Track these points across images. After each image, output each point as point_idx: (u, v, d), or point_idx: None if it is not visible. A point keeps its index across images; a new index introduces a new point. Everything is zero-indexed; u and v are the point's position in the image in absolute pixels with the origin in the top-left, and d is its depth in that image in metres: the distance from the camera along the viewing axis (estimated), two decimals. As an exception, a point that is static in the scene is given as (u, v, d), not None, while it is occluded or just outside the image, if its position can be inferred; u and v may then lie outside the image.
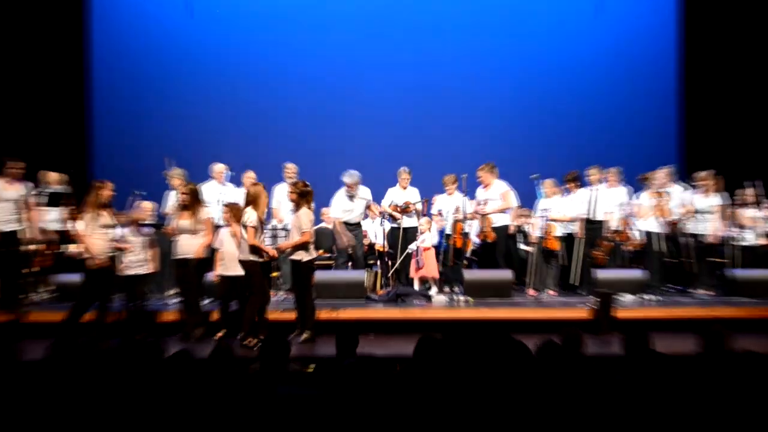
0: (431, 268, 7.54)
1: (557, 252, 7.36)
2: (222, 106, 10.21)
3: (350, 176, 7.27)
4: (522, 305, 6.74)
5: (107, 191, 5.73)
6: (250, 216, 5.61)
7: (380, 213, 8.32)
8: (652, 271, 7.26)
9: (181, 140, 9.85)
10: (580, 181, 7.74)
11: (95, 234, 5.60)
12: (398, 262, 7.70)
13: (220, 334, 5.78)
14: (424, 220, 7.75)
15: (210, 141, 9.95)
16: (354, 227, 7.46)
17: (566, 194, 7.63)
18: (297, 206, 5.79)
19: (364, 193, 7.46)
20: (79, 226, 5.60)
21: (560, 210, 7.49)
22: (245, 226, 5.61)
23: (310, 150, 9.93)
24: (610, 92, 10.28)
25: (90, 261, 5.54)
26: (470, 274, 7.21)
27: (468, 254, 7.63)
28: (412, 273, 7.56)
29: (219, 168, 7.47)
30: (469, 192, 7.58)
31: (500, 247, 7.43)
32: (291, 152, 8.78)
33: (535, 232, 7.55)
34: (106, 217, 5.65)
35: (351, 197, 7.28)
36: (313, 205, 5.91)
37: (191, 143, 9.88)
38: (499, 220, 7.50)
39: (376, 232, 8.37)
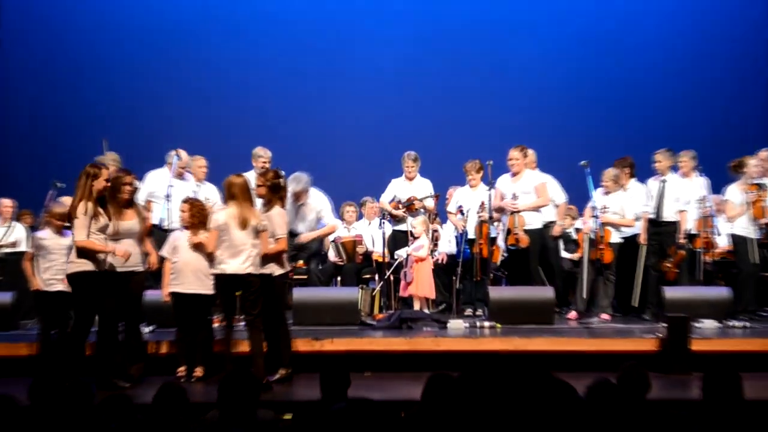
0: (424, 285, 7.64)
1: (612, 264, 7.39)
2: (173, 74, 10.43)
3: (296, 181, 7.26)
4: (566, 334, 6.76)
5: (103, 180, 5.62)
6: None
7: (379, 212, 8.46)
8: (742, 290, 7.35)
9: (119, 119, 10.00)
10: (633, 170, 7.87)
11: (93, 239, 5.53)
12: (387, 273, 7.81)
13: (181, 371, 5.85)
14: (418, 220, 7.82)
15: (157, 120, 10.09)
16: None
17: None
18: (268, 204, 5.86)
19: (318, 201, 7.48)
20: (79, 234, 5.45)
21: (617, 208, 7.49)
22: (258, 231, 5.69)
23: (288, 131, 9.99)
24: (683, 53, 10.39)
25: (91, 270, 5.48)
26: (497, 292, 7.26)
27: (496, 265, 7.77)
28: (401, 290, 7.67)
29: (183, 156, 7.60)
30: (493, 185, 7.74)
31: (534, 255, 7.48)
32: (263, 135, 8.88)
33: (584, 237, 7.56)
34: (104, 216, 5.61)
35: (300, 206, 7.39)
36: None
37: (132, 123, 10.01)
38: (533, 221, 7.54)
39: (373, 237, 8.57)
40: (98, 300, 5.50)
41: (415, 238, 7.75)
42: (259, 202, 6.00)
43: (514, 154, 7.55)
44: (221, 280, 5.68)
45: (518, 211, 7.45)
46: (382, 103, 10.39)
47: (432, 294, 7.74)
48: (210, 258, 5.78)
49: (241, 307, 5.80)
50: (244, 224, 5.59)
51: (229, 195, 5.73)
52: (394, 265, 7.82)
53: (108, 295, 5.53)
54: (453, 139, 9.94)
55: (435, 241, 8.34)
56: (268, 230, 5.75)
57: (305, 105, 10.41)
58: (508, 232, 7.48)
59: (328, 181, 8.24)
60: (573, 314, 7.46)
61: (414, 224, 7.81)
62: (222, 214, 5.71)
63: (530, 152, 7.86)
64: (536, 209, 7.56)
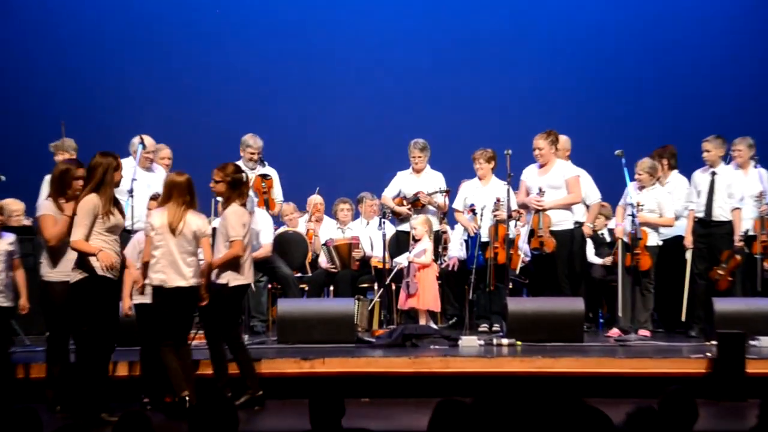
0: (428, 296, 7.62)
1: (650, 271, 7.38)
2: (144, 51, 10.49)
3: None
4: (599, 353, 6.76)
5: (119, 172, 5.64)
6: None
7: (379, 210, 8.55)
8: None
9: (74, 102, 10.01)
10: (675, 161, 7.88)
11: (101, 242, 5.49)
12: (387, 281, 7.78)
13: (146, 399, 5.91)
14: (419, 219, 7.81)
15: (122, 104, 10.17)
16: None
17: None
18: (226, 202, 5.95)
19: (260, 221, 7.48)
20: (75, 233, 5.41)
21: (653, 205, 7.47)
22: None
23: (274, 116, 10.03)
24: (736, 28, 10.40)
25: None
26: (517, 304, 7.26)
27: (515, 272, 7.72)
28: (401, 302, 7.69)
29: (149, 143, 7.63)
30: (516, 177, 7.69)
31: (562, 260, 7.45)
32: (245, 120, 8.96)
33: (618, 240, 7.51)
34: (117, 215, 5.60)
35: None
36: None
37: (90, 106, 10.08)
38: (562, 221, 7.51)
39: (372, 240, 8.51)
40: (111, 309, 5.54)
41: (416, 241, 7.71)
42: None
43: (539, 142, 7.51)
44: (161, 294, 5.62)
45: (544, 209, 7.39)
46: (385, 85, 10.48)
47: (437, 306, 7.74)
48: (145, 267, 5.69)
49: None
50: (173, 230, 5.57)
51: (165, 195, 5.74)
52: (393, 272, 7.83)
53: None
54: (468, 127, 9.95)
55: (444, 244, 8.34)
56: (208, 237, 5.76)
57: (293, 86, 10.51)
58: (531, 233, 7.46)
59: (320, 174, 8.31)
60: (615, 332, 7.44)
61: (414, 224, 7.76)
62: (156, 216, 5.67)
63: (563, 139, 7.82)
64: (566, 207, 7.53)
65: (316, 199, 8.84)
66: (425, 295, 7.62)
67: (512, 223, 7.70)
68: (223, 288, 5.81)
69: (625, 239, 7.37)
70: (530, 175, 7.63)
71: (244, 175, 6.00)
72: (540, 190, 7.45)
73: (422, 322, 7.61)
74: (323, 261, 8.40)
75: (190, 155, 8.26)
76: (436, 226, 8.09)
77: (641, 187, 7.47)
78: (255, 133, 7.99)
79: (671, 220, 7.54)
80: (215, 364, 5.90)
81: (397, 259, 7.95)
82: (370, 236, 8.53)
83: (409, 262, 7.65)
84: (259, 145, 7.79)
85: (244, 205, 5.96)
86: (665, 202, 7.50)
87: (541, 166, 7.59)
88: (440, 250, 8.13)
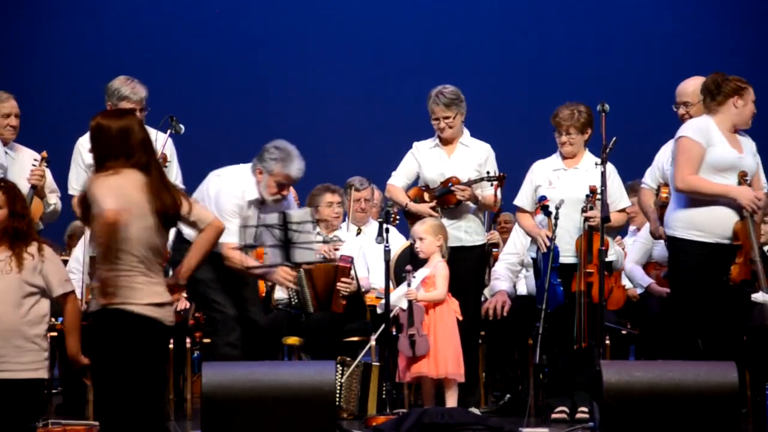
0: (445, 354, 7.66)
1: None
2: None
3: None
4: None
5: None
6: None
7: (379, 208, 9.07)
8: None
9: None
10: None
11: None
12: (392, 328, 7.83)
13: None
14: (425, 226, 7.87)
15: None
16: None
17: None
18: None
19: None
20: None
21: None
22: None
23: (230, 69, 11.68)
24: None
25: None
26: (620, 373, 6.72)
27: (616, 318, 8.11)
28: (401, 369, 7.78)
29: None
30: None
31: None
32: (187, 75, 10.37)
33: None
34: None
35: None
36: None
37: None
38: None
39: (366, 259, 8.75)
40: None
41: (416, 265, 7.69)
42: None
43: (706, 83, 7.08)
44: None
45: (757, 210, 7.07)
46: (394, 20, 11.40)
47: (459, 372, 7.64)
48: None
49: None
50: None
51: None
52: (391, 316, 7.79)
53: None
54: (532, 71, 10.29)
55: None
56: None
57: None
58: (731, 250, 7.11)
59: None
60: None
61: (418, 232, 7.75)
62: None
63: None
64: None
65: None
66: (441, 354, 7.55)
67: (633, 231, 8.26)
68: None
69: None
70: (718, 141, 7.07)
71: None
72: (743, 177, 7.03)
73: (450, 402, 7.52)
74: (283, 296, 8.38)
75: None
76: (478, 238, 8.02)
77: None
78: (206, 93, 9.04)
79: None
80: None
81: (396, 293, 7.85)
82: (364, 253, 8.66)
83: (410, 302, 7.49)
84: (141, 96, 7.90)
85: None
86: None
87: (736, 131, 7.16)
88: (487, 279, 8.29)
